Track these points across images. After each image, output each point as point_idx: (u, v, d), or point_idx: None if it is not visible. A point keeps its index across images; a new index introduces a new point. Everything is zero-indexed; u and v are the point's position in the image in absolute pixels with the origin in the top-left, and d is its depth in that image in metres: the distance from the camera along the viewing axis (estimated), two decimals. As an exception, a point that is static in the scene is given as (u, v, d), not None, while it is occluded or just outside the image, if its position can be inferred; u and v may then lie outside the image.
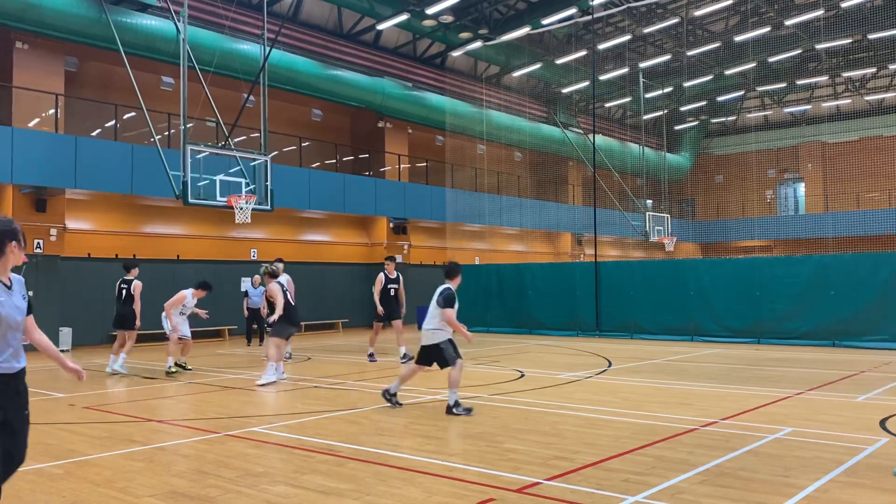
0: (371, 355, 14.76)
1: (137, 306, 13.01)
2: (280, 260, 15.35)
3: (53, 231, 18.12)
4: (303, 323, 23.15)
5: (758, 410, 8.53)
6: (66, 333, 17.93)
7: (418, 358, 9.00)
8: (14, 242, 4.00)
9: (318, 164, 26.14)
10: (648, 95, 34.74)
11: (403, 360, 13.84)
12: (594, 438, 7.13)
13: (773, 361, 13.81)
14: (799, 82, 36.18)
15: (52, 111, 18.59)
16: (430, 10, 23.90)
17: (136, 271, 13.36)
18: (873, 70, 35.10)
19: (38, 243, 17.85)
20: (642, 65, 31.68)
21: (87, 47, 19.19)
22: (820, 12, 26.24)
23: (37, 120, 18.44)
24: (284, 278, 14.56)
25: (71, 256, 18.42)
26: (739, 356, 14.82)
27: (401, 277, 14.96)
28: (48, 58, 18.70)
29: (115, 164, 17.82)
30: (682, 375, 11.93)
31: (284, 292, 12.05)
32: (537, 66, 30.21)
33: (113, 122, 20.44)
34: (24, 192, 17.58)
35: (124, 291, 13.14)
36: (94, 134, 20.53)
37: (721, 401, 9.34)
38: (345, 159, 27.45)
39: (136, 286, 13.09)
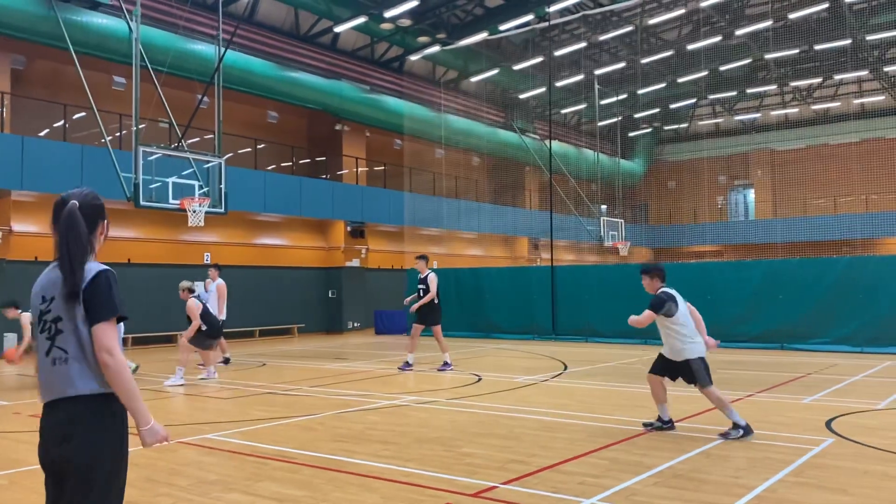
0: (407, 364, 13.77)
1: None
2: (216, 266, 15.15)
3: (-2, 233, 17.57)
4: (257, 328, 22.92)
5: (709, 413, 8.68)
6: (10, 339, 17.37)
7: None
8: (105, 222, 3.10)
9: (273, 166, 25.86)
10: (603, 102, 35.20)
11: (442, 368, 13.43)
12: (550, 441, 7.18)
13: (723, 364, 14.08)
14: (749, 91, 37.10)
15: (-3, 110, 18.03)
16: (388, 14, 23.87)
17: None
18: (819, 80, 36.15)
19: (-18, 246, 17.28)
20: (597, 72, 32.12)
21: (34, 45, 18.67)
22: (769, 23, 26.97)
23: (-19, 119, 17.88)
24: (215, 284, 14.44)
25: (17, 259, 17.87)
26: (692, 359, 15.05)
27: (430, 278, 13.85)
28: (-7, 55, 18.16)
29: (63, 165, 17.35)
30: (637, 378, 12.09)
31: (205, 304, 12.53)
32: (495, 71, 30.40)
33: (62, 123, 19.93)
34: (-33, 194, 17.02)
35: None
36: (41, 134, 19.97)
37: (673, 403, 9.48)
38: (301, 162, 27.21)
39: None
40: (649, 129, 42.71)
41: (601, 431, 7.66)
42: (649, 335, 18.67)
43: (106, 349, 2.77)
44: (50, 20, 17.65)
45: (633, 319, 7.67)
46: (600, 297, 19.71)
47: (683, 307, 7.80)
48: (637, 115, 39.96)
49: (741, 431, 7.09)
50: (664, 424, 7.67)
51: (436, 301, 13.73)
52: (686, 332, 7.57)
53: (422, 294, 13.79)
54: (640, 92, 35.70)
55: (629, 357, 15.63)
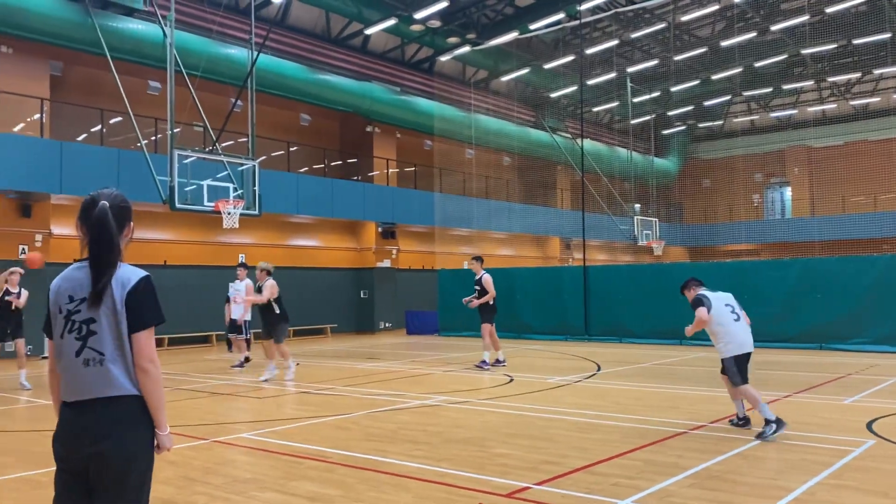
0: (498, 361, 13.89)
1: None
2: (244, 265, 15.15)
3: (39, 237, 17.98)
4: (291, 328, 23.08)
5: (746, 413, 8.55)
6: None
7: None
8: (131, 224, 3.08)
9: (306, 168, 26.08)
10: (636, 100, 34.88)
11: (489, 365, 13.62)
12: (583, 442, 7.13)
13: (760, 365, 13.86)
14: (785, 87, 36.46)
15: (36, 116, 18.45)
16: (418, 15, 23.92)
17: None
18: (858, 75, 35.40)
19: (23, 249, 17.69)
20: (630, 69, 31.82)
21: (72, 51, 19.06)
22: (805, 17, 26.46)
23: (21, 125, 18.31)
24: (243, 284, 14.61)
25: (56, 262, 18.24)
26: (727, 359, 14.85)
27: (483, 278, 14.02)
28: (33, 62, 18.57)
29: (101, 169, 17.69)
30: (671, 379, 11.96)
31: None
32: (525, 70, 30.29)
33: (99, 127, 20.32)
34: (10, 198, 17.43)
35: None
36: (79, 139, 20.39)
37: (709, 404, 9.37)
38: (333, 164, 27.40)
39: None
40: (683, 127, 42.21)
41: (635, 432, 7.58)
42: (686, 337, 18.46)
43: (148, 357, 2.86)
44: (87, 27, 18.01)
45: (688, 330, 7.97)
46: (634, 297, 19.53)
47: (720, 306, 7.74)
48: (670, 113, 39.52)
49: (773, 427, 7.06)
50: (739, 420, 7.76)
51: (490, 302, 13.91)
52: (719, 331, 7.64)
53: (479, 295, 14.04)
54: (673, 89, 35.31)
55: (663, 358, 15.47)
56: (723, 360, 7.65)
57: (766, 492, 5.33)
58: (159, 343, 19.42)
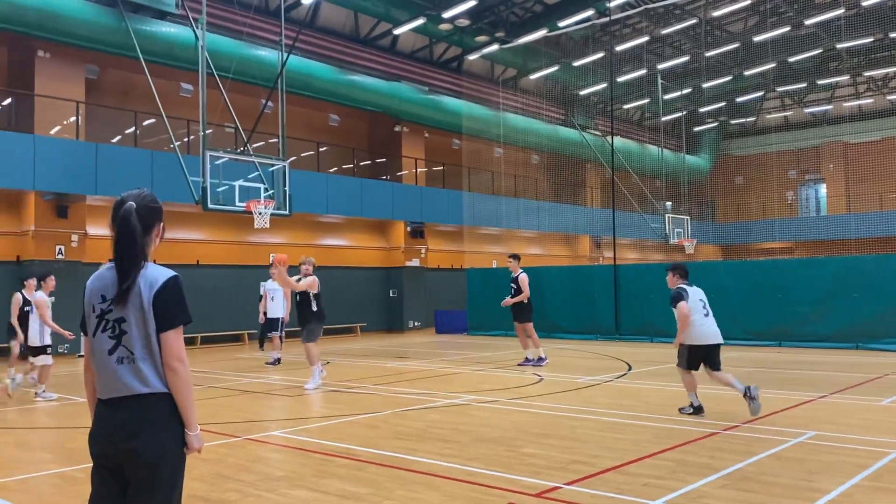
0: (540, 359, 14.03)
1: None
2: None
3: (75, 237, 18.33)
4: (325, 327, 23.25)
5: (780, 414, 8.43)
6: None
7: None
8: (161, 225, 3.12)
9: (335, 168, 26.24)
10: (667, 97, 34.54)
11: (525, 364, 13.93)
12: (614, 442, 7.08)
13: (794, 364, 13.65)
14: (819, 82, 35.82)
15: (72, 119, 18.81)
16: (447, 14, 23.94)
17: None
18: (895, 69, 34.65)
19: (60, 249, 18.06)
20: (660, 66, 31.52)
21: (106, 55, 19.40)
22: (840, 11, 25.98)
23: (58, 128, 18.68)
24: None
25: (92, 262, 18.59)
26: (760, 359, 14.66)
27: (521, 278, 14.19)
28: (69, 66, 18.94)
29: (134, 170, 17.99)
30: (703, 379, 11.80)
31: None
32: (554, 68, 30.15)
33: (133, 129, 20.66)
34: (46, 199, 17.80)
35: None
36: (114, 141, 20.74)
37: (742, 404, 9.23)
38: (362, 164, 27.54)
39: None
40: (715, 124, 41.68)
41: (666, 433, 7.51)
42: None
43: (177, 356, 2.89)
44: (121, 31, 18.31)
45: (678, 333, 8.72)
46: (665, 297, 19.18)
47: (695, 300, 8.79)
48: (702, 110, 39.06)
49: (691, 410, 8.43)
50: (692, 409, 8.61)
51: (525, 301, 14.10)
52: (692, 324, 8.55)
53: (513, 293, 14.21)
54: (704, 86, 34.88)
55: (695, 357, 15.27)
56: (680, 345, 8.59)
57: (801, 493, 5.25)
58: (191, 342, 19.70)
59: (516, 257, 14.64)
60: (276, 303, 15.51)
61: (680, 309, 8.47)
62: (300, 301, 11.75)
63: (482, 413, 8.96)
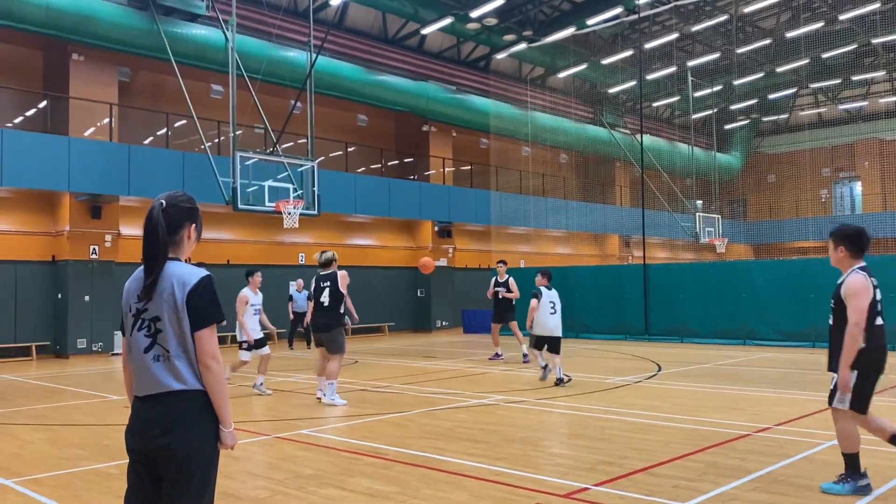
0: (497, 355, 15.39)
1: None
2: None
3: (108, 237, 18.63)
4: (349, 327, 23.38)
5: (814, 416, 8.29)
6: (121, 337, 18.40)
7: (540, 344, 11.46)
8: (194, 225, 3.14)
9: (363, 168, 26.34)
10: (697, 94, 34.12)
11: (526, 361, 14.65)
12: (643, 443, 7.02)
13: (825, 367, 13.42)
14: (854, 78, 35.13)
15: (106, 121, 19.12)
16: (474, 14, 23.90)
17: None
18: (933, 64, 33.90)
19: (94, 249, 18.37)
20: (690, 63, 31.15)
21: (139, 57, 19.68)
22: (876, 5, 25.46)
23: (92, 129, 19.00)
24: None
25: (125, 262, 18.89)
26: (794, 360, 14.43)
27: (512, 281, 15.51)
28: (102, 69, 19.25)
29: (166, 171, 18.24)
30: (735, 380, 11.67)
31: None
32: (583, 66, 29.96)
33: (164, 131, 20.94)
34: (80, 200, 18.11)
35: None
36: (146, 142, 21.05)
37: (775, 406, 9.11)
38: (390, 164, 27.61)
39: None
40: (747, 121, 41.10)
41: (697, 434, 7.42)
42: (749, 336, 18.02)
43: (210, 354, 2.93)
44: (153, 33, 18.57)
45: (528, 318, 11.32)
46: (696, 296, 19.13)
47: (546, 302, 11.37)
48: (733, 107, 38.53)
49: (544, 373, 11.57)
50: (553, 377, 11.28)
51: (513, 302, 15.39)
52: (536, 318, 11.27)
53: (501, 295, 15.37)
54: (736, 83, 34.41)
55: (727, 358, 15.10)
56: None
57: (834, 498, 5.16)
58: (222, 341, 19.91)
59: (504, 263, 15.93)
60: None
61: (531, 304, 11.27)
62: (333, 301, 9.88)
63: (510, 413, 8.94)
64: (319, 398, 9.93)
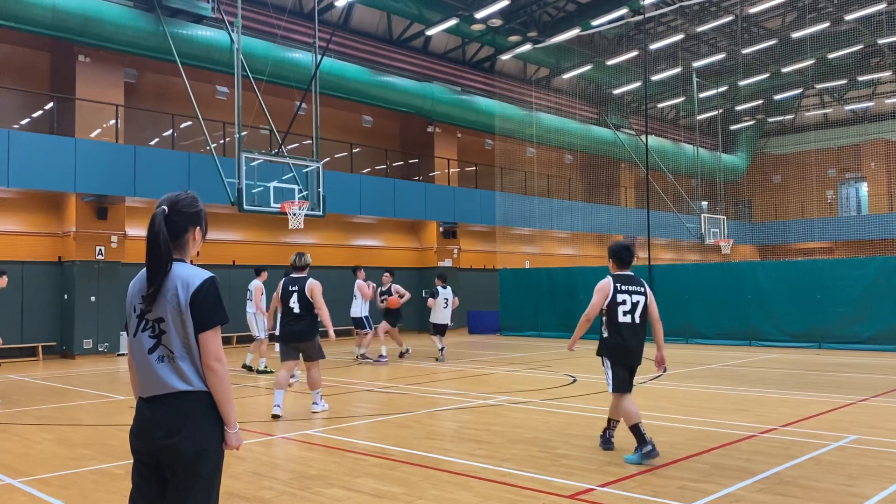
0: (381, 356, 15.95)
1: None
2: (359, 268, 16.42)
3: (114, 238, 18.69)
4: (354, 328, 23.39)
5: (819, 417, 8.27)
6: (126, 338, 18.45)
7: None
8: (198, 228, 3.14)
9: (368, 169, 26.37)
10: (702, 95, 34.08)
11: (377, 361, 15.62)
12: (648, 444, 7.00)
13: (835, 367, 13.38)
14: (860, 78, 35.03)
15: (112, 122, 19.18)
16: (479, 15, 23.91)
17: (2, 280, 10.76)
18: (940, 64, 33.76)
19: (100, 250, 18.42)
20: (696, 64, 31.12)
21: (145, 59, 19.74)
22: (882, 6, 25.38)
23: (98, 130, 19.06)
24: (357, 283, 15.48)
25: (131, 262, 18.95)
26: (799, 361, 14.40)
27: (396, 287, 16.47)
28: (108, 70, 19.30)
29: (172, 172, 18.28)
30: (740, 381, 11.65)
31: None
32: (588, 67, 29.94)
33: (170, 132, 20.99)
34: (87, 201, 18.17)
35: None
36: (152, 143, 21.10)
37: (780, 407, 9.09)
38: (395, 164, 27.64)
39: None
40: (752, 122, 41.02)
41: (702, 435, 7.41)
42: (755, 337, 17.98)
43: (214, 356, 2.92)
44: (158, 35, 18.62)
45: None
46: (701, 297, 19.10)
47: (441, 300, 15.54)
48: (739, 108, 38.47)
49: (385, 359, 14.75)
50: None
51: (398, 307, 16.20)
52: (433, 310, 15.40)
53: (386, 301, 16.20)
54: (741, 83, 34.35)
55: (732, 359, 15.07)
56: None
57: (841, 499, 5.14)
58: (227, 341, 19.95)
59: (391, 272, 16.89)
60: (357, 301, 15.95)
61: (429, 301, 15.61)
62: (303, 308, 9.03)
63: (515, 414, 8.94)
64: (277, 415, 8.70)
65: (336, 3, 22.10)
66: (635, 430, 6.34)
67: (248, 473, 6.18)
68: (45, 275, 18.24)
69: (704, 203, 33.51)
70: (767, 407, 9.08)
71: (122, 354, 18.03)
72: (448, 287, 15.80)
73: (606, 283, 6.70)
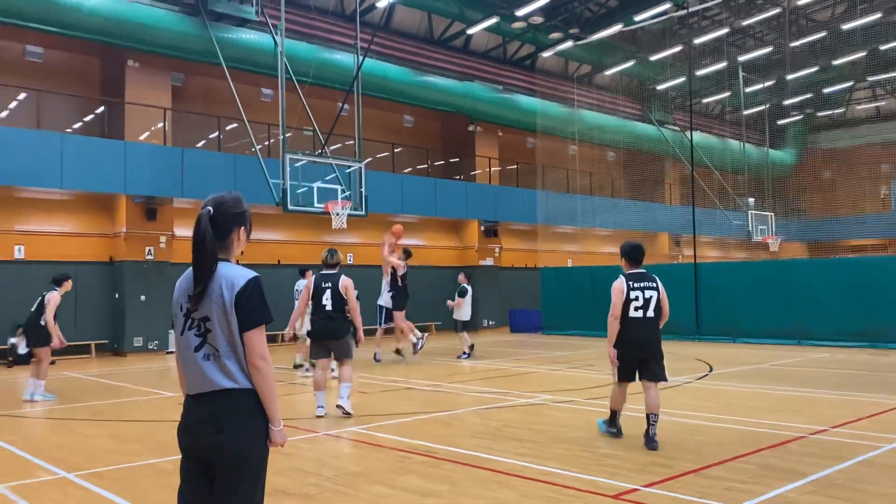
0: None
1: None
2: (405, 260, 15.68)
3: (163, 238, 19.11)
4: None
5: (873, 418, 8.05)
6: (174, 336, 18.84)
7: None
8: (242, 228, 3.18)
9: (409, 169, 26.48)
10: (749, 90, 33.42)
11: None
12: (694, 445, 6.91)
13: (889, 366, 13.00)
14: (915, 70, 33.94)
15: (160, 125, 19.61)
16: (520, 13, 23.82)
17: (67, 284, 10.97)
18: None
19: (149, 250, 18.86)
20: (742, 58, 30.51)
21: (191, 63, 20.13)
22: (938, -6, 24.57)
23: (147, 133, 19.50)
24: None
25: (180, 262, 19.35)
26: (852, 361, 14.03)
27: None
28: (156, 74, 19.74)
29: (218, 173, 18.61)
30: (789, 381, 11.40)
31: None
32: (630, 63, 29.60)
33: (216, 134, 21.37)
34: (136, 202, 18.61)
35: None
36: (198, 145, 21.50)
37: (832, 408, 8.87)
38: (436, 164, 27.70)
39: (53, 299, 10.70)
40: (800, 116, 40.06)
41: (750, 436, 7.28)
42: (805, 336, 17.58)
43: (259, 354, 2.96)
44: (204, 39, 18.97)
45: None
46: (749, 296, 18.72)
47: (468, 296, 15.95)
48: (786, 102, 37.58)
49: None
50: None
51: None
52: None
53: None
54: (789, 77, 33.56)
55: (781, 358, 14.76)
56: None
57: (894, 503, 5.01)
58: (273, 339, 20.24)
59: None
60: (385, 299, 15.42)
61: (459, 300, 15.90)
62: (336, 305, 8.87)
63: (558, 413, 8.90)
64: (320, 415, 8.73)
65: (377, 4, 22.26)
66: (613, 414, 7.33)
67: (293, 470, 6.27)
68: (98, 275, 18.74)
69: (751, 199, 32.84)
70: (818, 407, 8.88)
71: (171, 352, 18.42)
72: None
73: (620, 283, 7.32)
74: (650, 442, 6.82)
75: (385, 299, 15.42)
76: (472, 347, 15.96)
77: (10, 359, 16.50)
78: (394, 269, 15.10)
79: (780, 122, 39.08)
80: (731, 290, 19.15)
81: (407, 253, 15.63)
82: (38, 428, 8.83)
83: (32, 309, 10.84)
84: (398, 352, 15.75)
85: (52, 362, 11.18)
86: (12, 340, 16.72)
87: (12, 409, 10.05)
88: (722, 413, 8.58)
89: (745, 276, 19.24)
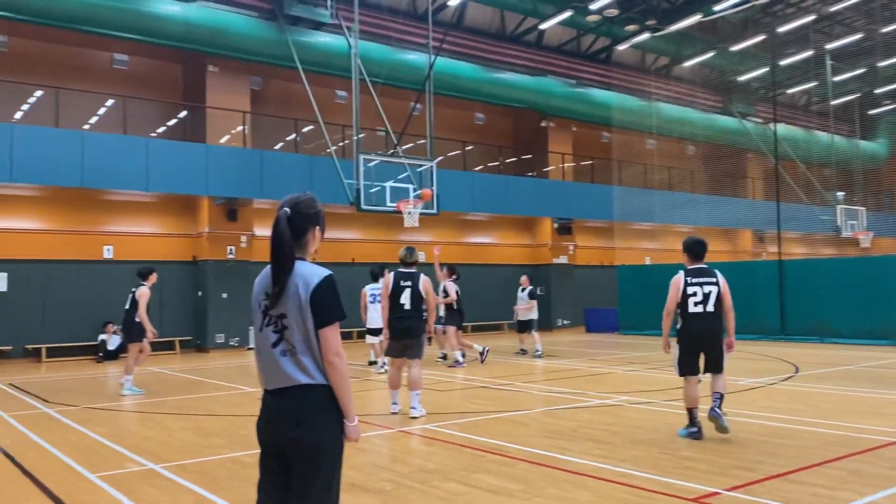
0: (457, 361, 14.47)
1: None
2: (447, 266, 15.45)
3: (244, 238, 19.67)
4: (467, 324, 23.54)
5: (976, 424, 7.57)
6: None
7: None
8: (318, 227, 3.23)
9: (481, 167, 26.43)
10: (837, 79, 31.92)
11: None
12: (778, 448, 6.64)
13: None
14: None
15: (240, 128, 20.20)
16: (594, 6, 23.44)
17: (153, 276, 11.54)
18: None
19: (231, 249, 19.45)
20: (829, 46, 29.18)
21: (269, 67, 20.65)
22: None
23: (227, 136, 20.12)
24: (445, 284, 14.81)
25: (259, 261, 19.87)
26: (952, 363, 13.24)
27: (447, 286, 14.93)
28: (236, 79, 20.34)
29: (295, 175, 19.03)
30: (882, 383, 10.84)
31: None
32: (710, 54, 28.71)
33: (293, 136, 21.86)
34: (218, 203, 19.23)
35: None
36: (276, 147, 22.04)
37: (930, 412, 8.39)
38: (507, 161, 27.56)
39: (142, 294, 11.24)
40: (894, 105, 38.03)
41: (838, 440, 6.94)
42: (897, 335, 16.71)
43: (334, 351, 3.02)
44: (281, 43, 19.43)
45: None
46: (837, 294, 17.92)
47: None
48: (878, 91, 35.74)
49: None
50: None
51: (454, 307, 14.51)
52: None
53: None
54: (880, 65, 31.90)
55: (873, 360, 14.06)
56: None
57: None
58: (347, 336, 20.58)
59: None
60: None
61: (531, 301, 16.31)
62: (414, 304, 8.86)
63: (636, 414, 8.71)
64: (395, 412, 8.84)
65: (449, 3, 22.29)
66: (690, 413, 7.23)
67: (369, 465, 6.34)
68: (181, 273, 19.45)
69: (841, 193, 31.41)
70: (832, 403, 8.41)
71: (251, 348, 18.95)
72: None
73: (678, 279, 7.39)
74: (713, 412, 7.02)
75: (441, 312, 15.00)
76: (487, 351, 15.11)
77: (101, 354, 17.30)
78: (446, 292, 14.51)
79: (871, 111, 37.20)
80: (819, 288, 18.36)
81: (452, 270, 15.16)
82: (128, 421, 9.22)
83: (126, 307, 11.34)
84: (445, 357, 15.24)
85: (147, 354, 11.64)
86: (102, 337, 17.53)
87: (104, 402, 10.53)
88: (808, 416, 8.23)
89: (834, 274, 18.42)
